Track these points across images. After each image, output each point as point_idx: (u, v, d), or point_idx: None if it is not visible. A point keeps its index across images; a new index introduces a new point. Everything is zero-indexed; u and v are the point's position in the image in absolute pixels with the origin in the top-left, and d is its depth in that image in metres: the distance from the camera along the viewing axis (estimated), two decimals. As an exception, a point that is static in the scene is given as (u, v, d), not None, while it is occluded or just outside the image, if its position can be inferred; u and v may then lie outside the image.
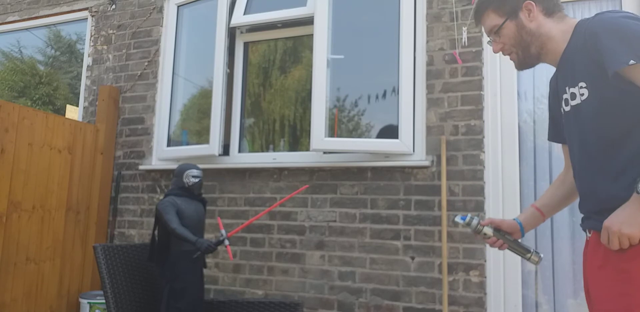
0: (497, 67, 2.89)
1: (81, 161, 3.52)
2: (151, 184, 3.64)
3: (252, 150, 3.61)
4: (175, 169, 2.88)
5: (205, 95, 3.68)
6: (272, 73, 3.68)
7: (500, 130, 2.83)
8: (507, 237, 1.50)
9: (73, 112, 4.37)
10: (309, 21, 3.26)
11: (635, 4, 2.71)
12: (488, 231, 1.49)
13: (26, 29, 4.55)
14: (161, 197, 3.57)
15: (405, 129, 2.95)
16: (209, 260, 3.34)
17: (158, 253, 2.74)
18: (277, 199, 3.22)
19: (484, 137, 2.82)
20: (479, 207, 2.76)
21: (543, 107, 2.86)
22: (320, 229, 3.11)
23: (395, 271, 2.89)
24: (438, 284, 2.79)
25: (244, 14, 3.52)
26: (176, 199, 2.74)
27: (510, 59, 1.49)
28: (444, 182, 2.82)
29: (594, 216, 1.30)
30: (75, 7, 4.23)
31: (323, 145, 3.05)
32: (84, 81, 4.08)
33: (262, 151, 3.60)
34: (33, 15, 4.38)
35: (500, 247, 1.51)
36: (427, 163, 2.88)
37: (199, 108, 3.78)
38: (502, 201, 2.77)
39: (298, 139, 3.55)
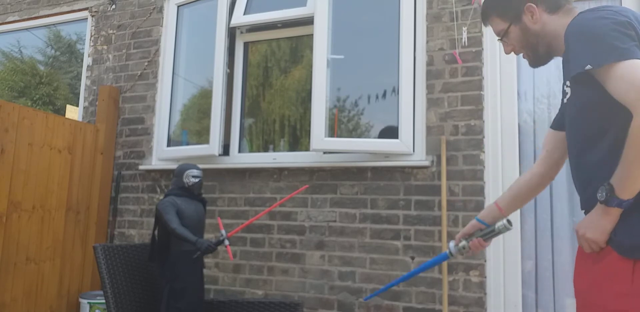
0: (497, 67, 2.89)
1: (81, 160, 3.52)
2: (151, 184, 3.64)
3: (252, 150, 3.61)
4: (175, 169, 2.88)
5: (205, 95, 3.68)
6: (272, 73, 3.68)
7: (500, 131, 2.83)
8: (477, 235, 1.56)
9: (73, 112, 4.37)
10: (309, 21, 3.26)
11: (635, 3, 2.71)
12: (465, 244, 1.57)
13: (26, 29, 4.55)
14: (161, 197, 3.57)
15: (405, 129, 2.95)
16: (209, 260, 3.34)
17: (158, 253, 2.74)
18: (277, 199, 3.22)
19: (484, 137, 2.82)
20: (479, 207, 2.76)
21: (543, 107, 2.86)
22: (320, 229, 3.11)
23: (395, 271, 2.89)
24: (438, 284, 2.79)
25: (244, 14, 3.52)
26: (176, 199, 2.74)
27: (524, 58, 1.51)
28: (444, 182, 2.82)
29: (585, 214, 1.35)
30: (75, 7, 4.23)
31: (323, 145, 3.05)
32: (84, 81, 4.08)
33: (262, 151, 3.60)
34: (33, 15, 4.38)
35: (483, 246, 1.55)
36: (427, 163, 2.88)
37: (199, 108, 3.78)
38: (502, 201, 2.77)
39: (298, 139, 3.55)
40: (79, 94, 4.13)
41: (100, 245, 2.66)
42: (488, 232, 1.54)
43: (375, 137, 3.16)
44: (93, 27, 4.11)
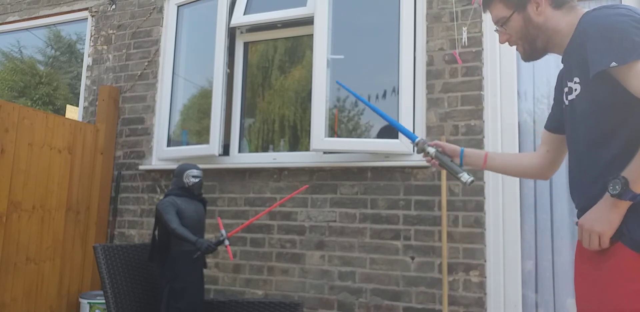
0: (497, 67, 2.89)
1: (81, 160, 3.52)
2: (151, 184, 3.64)
3: (252, 150, 3.61)
4: (175, 169, 2.88)
5: (205, 95, 3.68)
6: (272, 73, 3.68)
7: (500, 131, 2.83)
8: (445, 158, 1.61)
9: (73, 112, 4.37)
10: (309, 21, 3.26)
11: (635, 3, 2.71)
12: (431, 150, 1.62)
13: (26, 29, 4.55)
14: (161, 197, 3.57)
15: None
16: (209, 260, 3.34)
17: (158, 253, 2.74)
18: (277, 199, 3.22)
19: (484, 137, 2.82)
20: (479, 207, 2.76)
21: (543, 107, 2.86)
22: (320, 229, 3.11)
23: (395, 271, 2.89)
24: (438, 284, 2.79)
25: (244, 14, 3.52)
26: (176, 199, 2.74)
27: (517, 50, 1.48)
28: (444, 182, 2.82)
29: (580, 212, 1.33)
30: (75, 7, 4.23)
31: (323, 145, 3.05)
32: (84, 81, 4.08)
33: (262, 151, 3.60)
34: (33, 15, 4.38)
35: (434, 166, 1.64)
36: (427, 163, 2.87)
37: (199, 108, 3.78)
38: (502, 201, 2.77)
39: (298, 139, 3.55)
40: (79, 94, 4.13)
41: (100, 245, 2.66)
42: (451, 168, 1.58)
43: (375, 137, 3.16)
44: (93, 27, 4.11)
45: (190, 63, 3.85)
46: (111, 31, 4.02)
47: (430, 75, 2.97)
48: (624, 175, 1.13)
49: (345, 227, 3.05)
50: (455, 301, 2.74)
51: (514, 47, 1.49)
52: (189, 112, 3.86)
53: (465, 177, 1.52)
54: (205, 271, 2.99)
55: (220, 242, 2.60)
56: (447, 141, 2.86)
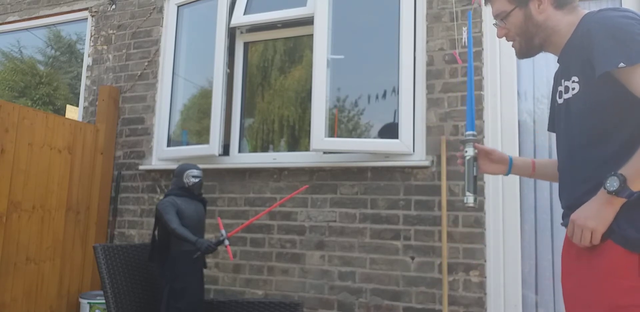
0: (497, 67, 2.89)
1: (81, 160, 3.52)
2: (151, 184, 3.64)
3: (252, 150, 3.61)
4: (175, 169, 2.88)
5: (205, 95, 3.68)
6: (272, 73, 3.68)
7: (500, 130, 2.83)
8: (470, 169, 1.54)
9: (73, 112, 4.37)
10: (309, 21, 3.26)
11: (635, 4, 2.71)
12: (469, 152, 1.53)
13: (26, 29, 4.55)
14: (161, 197, 3.57)
15: (405, 129, 2.95)
16: (209, 260, 3.34)
17: (158, 253, 2.74)
18: (277, 199, 3.22)
19: (484, 137, 2.82)
20: (479, 207, 2.76)
21: (543, 107, 2.86)
22: (320, 229, 3.11)
23: (395, 271, 2.89)
24: (438, 284, 2.79)
25: (244, 14, 3.52)
26: (176, 199, 2.74)
27: (512, 46, 1.48)
28: (444, 182, 2.82)
29: (567, 211, 1.34)
30: (75, 7, 4.23)
31: (323, 146, 3.05)
32: (84, 81, 4.08)
33: (262, 151, 3.60)
34: (33, 15, 4.38)
35: (460, 164, 1.60)
36: (427, 163, 2.88)
37: (199, 108, 3.78)
38: (502, 201, 2.77)
39: (298, 139, 3.55)
40: (79, 94, 4.13)
41: (100, 245, 2.66)
42: (468, 181, 1.53)
43: (375, 137, 3.16)
44: (93, 27, 4.11)
45: (190, 63, 3.85)
46: (111, 31, 4.02)
47: (430, 75, 2.97)
48: (622, 172, 1.14)
49: (345, 227, 3.05)
50: (455, 301, 2.74)
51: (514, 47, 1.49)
52: (189, 112, 3.86)
53: (470, 199, 1.49)
54: (205, 271, 2.99)
55: (220, 242, 2.60)
56: (447, 141, 2.87)
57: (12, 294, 2.99)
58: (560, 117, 1.39)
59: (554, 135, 1.48)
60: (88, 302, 3.23)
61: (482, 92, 2.86)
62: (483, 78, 2.87)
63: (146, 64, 3.83)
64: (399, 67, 2.99)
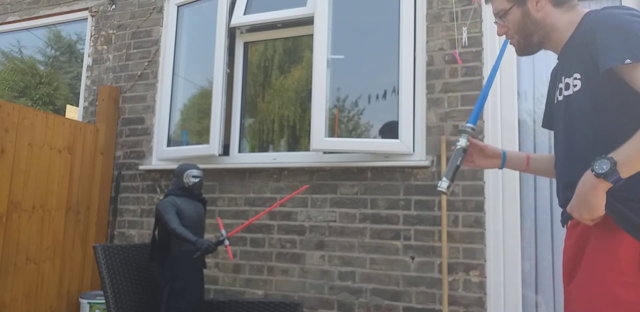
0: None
1: (81, 160, 3.52)
2: (151, 184, 3.64)
3: (252, 150, 3.61)
4: (175, 169, 2.88)
5: (205, 95, 3.68)
6: (272, 73, 3.68)
7: (500, 130, 2.83)
8: (455, 159, 1.50)
9: (73, 112, 4.37)
10: (309, 21, 3.26)
11: (635, 4, 2.71)
12: (461, 143, 1.51)
13: (26, 29, 4.55)
14: (161, 197, 3.57)
15: (405, 129, 2.95)
16: (209, 260, 3.34)
17: (158, 253, 2.74)
18: (277, 199, 3.22)
19: (484, 137, 2.82)
20: (479, 207, 2.76)
21: (543, 107, 2.85)
22: (320, 229, 3.11)
23: (395, 271, 2.89)
24: (438, 284, 2.79)
25: (244, 14, 3.52)
26: (176, 199, 2.74)
27: (511, 44, 1.49)
28: (444, 182, 2.81)
29: (564, 208, 1.33)
30: (75, 7, 4.23)
31: (323, 145, 3.05)
32: (84, 81, 4.08)
33: (262, 151, 3.60)
34: (33, 15, 4.38)
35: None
36: (427, 163, 2.88)
37: (199, 108, 3.78)
38: (502, 201, 2.77)
39: (298, 139, 3.55)
40: (79, 94, 4.13)
41: (100, 245, 2.66)
42: (450, 170, 1.48)
43: (375, 137, 3.16)
44: (93, 27, 4.11)
45: (190, 63, 3.85)
46: (111, 31, 4.02)
47: (430, 75, 2.97)
48: (613, 157, 1.12)
49: (345, 227, 3.05)
50: (455, 301, 2.74)
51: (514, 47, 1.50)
52: (189, 112, 3.86)
53: (443, 185, 1.45)
54: (205, 271, 2.99)
55: (220, 242, 2.60)
56: (447, 141, 2.87)
57: (12, 294, 2.99)
58: (560, 114, 1.39)
59: (553, 134, 1.48)
60: (88, 302, 3.23)
61: (482, 92, 2.85)
62: (483, 78, 2.87)
63: (146, 64, 3.83)
64: (399, 67, 2.99)
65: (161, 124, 3.73)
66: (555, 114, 1.44)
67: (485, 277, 2.71)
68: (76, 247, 3.48)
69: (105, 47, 4.02)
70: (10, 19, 4.48)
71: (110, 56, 3.99)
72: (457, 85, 2.91)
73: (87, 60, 4.09)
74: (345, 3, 3.23)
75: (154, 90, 3.77)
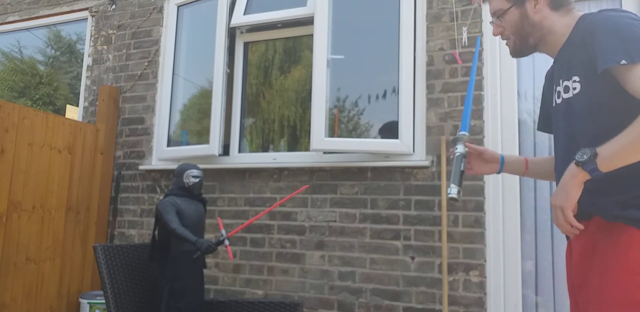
0: (497, 67, 2.89)
1: (81, 160, 3.52)
2: (151, 184, 3.64)
3: (252, 150, 3.61)
4: (175, 169, 2.88)
5: (205, 95, 3.68)
6: (272, 73, 3.68)
7: (500, 130, 2.83)
8: (457, 165, 1.51)
9: (73, 112, 4.37)
10: (309, 21, 3.26)
11: (635, 3, 2.71)
12: (459, 149, 1.52)
13: (26, 29, 4.55)
14: (161, 197, 3.57)
15: (405, 129, 2.95)
16: (209, 260, 3.34)
17: (158, 253, 2.74)
18: (277, 199, 3.22)
19: (484, 137, 2.82)
20: (479, 207, 2.76)
21: (543, 107, 2.86)
22: (320, 229, 3.11)
23: (395, 271, 2.89)
24: (438, 284, 2.79)
25: (244, 14, 3.52)
26: (176, 199, 2.74)
27: (506, 45, 1.49)
28: (444, 182, 2.82)
29: None
30: (75, 7, 4.23)
31: (323, 146, 3.05)
32: (84, 81, 4.08)
33: (262, 151, 3.60)
34: (33, 15, 4.38)
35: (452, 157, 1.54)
36: (427, 163, 2.88)
37: (199, 108, 3.78)
38: (502, 201, 2.77)
39: (298, 139, 3.55)
40: (79, 94, 4.13)
41: (100, 245, 2.66)
42: (454, 175, 1.48)
43: (375, 137, 3.16)
44: (93, 27, 4.11)
45: (190, 63, 3.85)
46: (111, 31, 4.02)
47: (430, 75, 2.97)
48: (597, 150, 1.15)
49: (345, 227, 3.05)
50: (455, 301, 2.74)
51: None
52: (189, 112, 3.86)
53: (453, 191, 1.46)
54: (205, 271, 2.99)
55: (220, 242, 2.60)
56: (447, 141, 2.87)
57: (12, 294, 2.99)
58: (559, 117, 1.39)
59: (553, 137, 1.48)
60: (88, 302, 3.23)
61: (482, 92, 2.86)
62: (483, 78, 2.87)
63: (146, 64, 3.83)
64: (399, 67, 2.99)
65: (161, 124, 3.73)
66: (553, 117, 1.45)
67: (485, 277, 2.71)
68: (76, 247, 3.48)
69: (105, 47, 4.02)
70: (10, 19, 4.48)
71: (110, 56, 3.99)
72: (457, 85, 2.91)
73: (87, 60, 4.09)
74: (345, 3, 3.23)
75: (154, 90, 3.77)
